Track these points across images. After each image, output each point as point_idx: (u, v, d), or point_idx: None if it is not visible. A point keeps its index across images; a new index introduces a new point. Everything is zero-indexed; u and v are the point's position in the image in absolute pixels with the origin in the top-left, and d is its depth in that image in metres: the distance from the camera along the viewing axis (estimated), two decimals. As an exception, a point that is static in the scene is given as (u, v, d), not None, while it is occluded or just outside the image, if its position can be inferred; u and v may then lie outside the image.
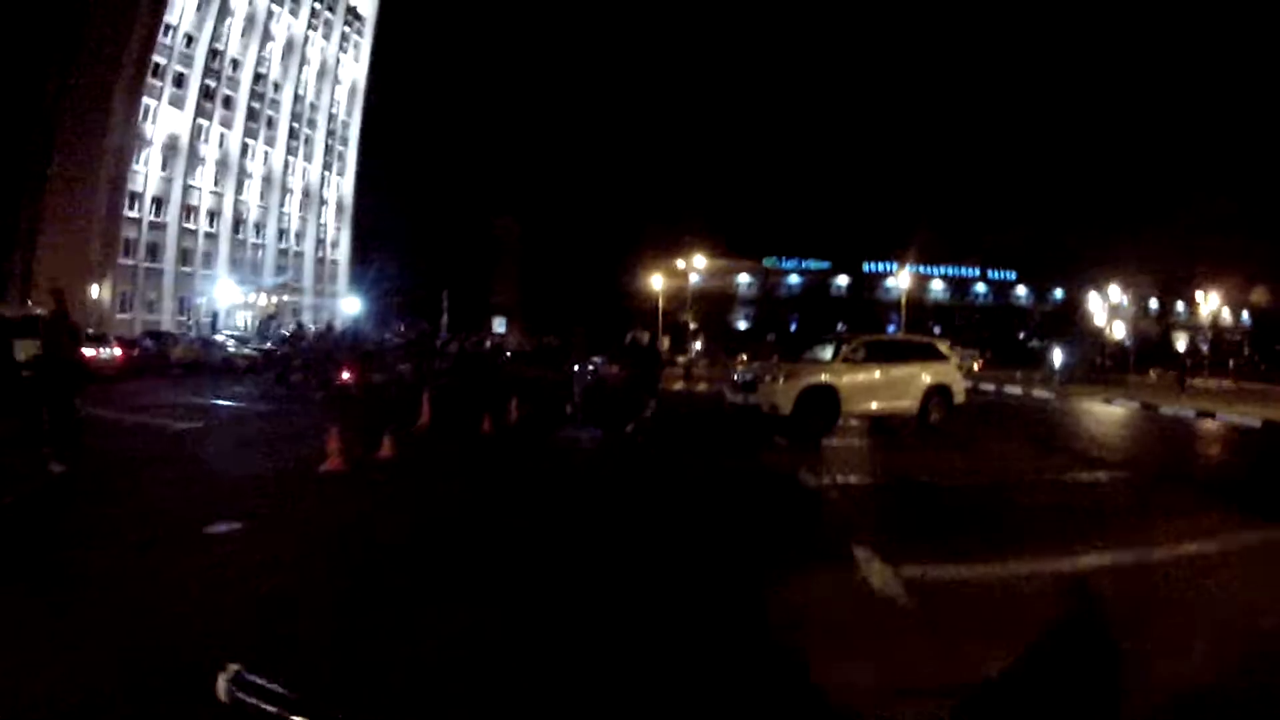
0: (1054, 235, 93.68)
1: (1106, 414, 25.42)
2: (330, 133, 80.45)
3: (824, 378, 16.90)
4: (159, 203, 60.17)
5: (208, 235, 65.11)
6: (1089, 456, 14.63)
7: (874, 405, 17.39)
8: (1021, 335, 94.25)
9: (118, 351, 29.56)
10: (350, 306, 70.58)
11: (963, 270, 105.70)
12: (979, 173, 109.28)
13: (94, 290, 53.76)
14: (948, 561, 6.85)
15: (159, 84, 58.73)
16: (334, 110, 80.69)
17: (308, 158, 77.54)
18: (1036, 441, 16.95)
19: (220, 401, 20.92)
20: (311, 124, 77.55)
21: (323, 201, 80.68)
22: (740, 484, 11.05)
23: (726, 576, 6.40)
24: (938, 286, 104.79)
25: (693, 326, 75.21)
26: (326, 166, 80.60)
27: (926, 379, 18.07)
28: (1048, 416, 24.11)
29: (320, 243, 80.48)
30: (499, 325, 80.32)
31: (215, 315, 55.47)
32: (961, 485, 11.39)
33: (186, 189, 62.10)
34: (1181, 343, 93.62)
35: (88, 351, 28.73)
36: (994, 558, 6.95)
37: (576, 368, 19.73)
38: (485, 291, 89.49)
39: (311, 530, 7.70)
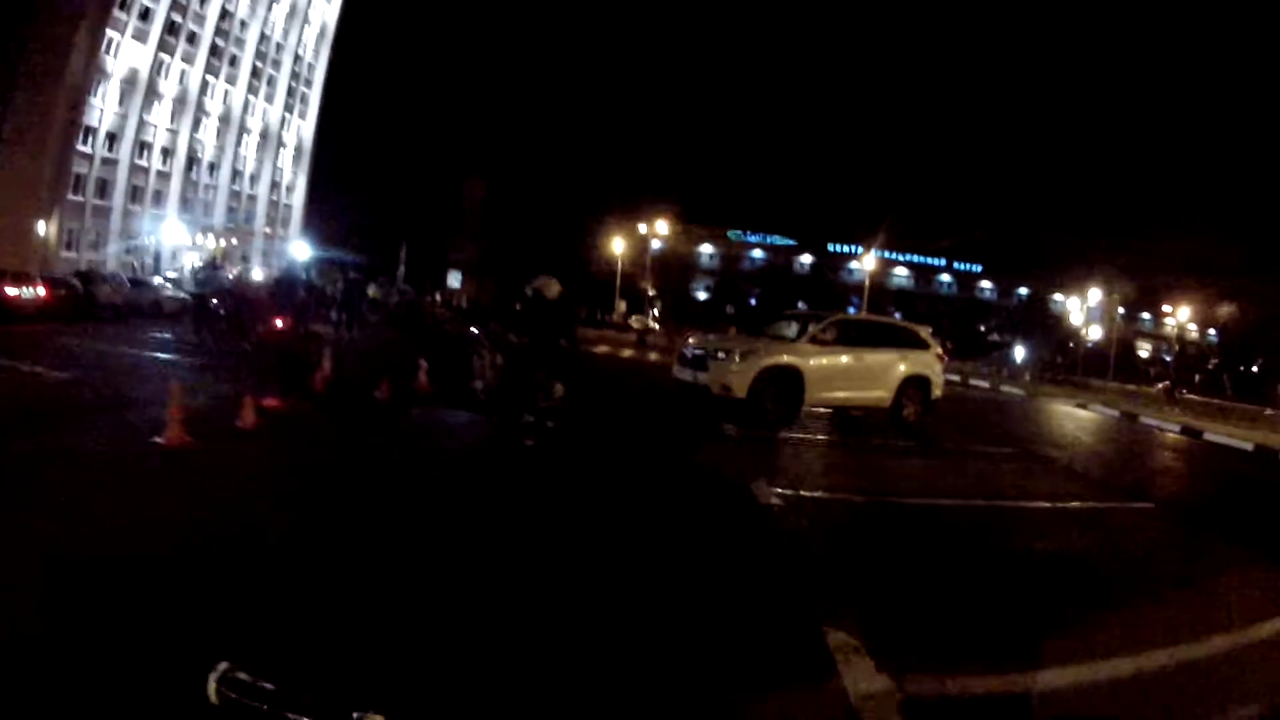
0: (1023, 232, 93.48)
1: (1089, 421, 25.26)
2: (295, 74, 77.75)
3: (787, 358, 14.87)
4: (112, 138, 57.45)
5: (160, 174, 62.48)
6: (1092, 478, 13.21)
7: (842, 394, 15.59)
8: (982, 328, 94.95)
9: (42, 291, 27.71)
10: (301, 252, 69.34)
11: (928, 259, 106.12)
12: (952, 164, 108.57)
13: (40, 227, 52.13)
14: (966, 666, 4.47)
15: (124, 16, 55.97)
16: (300, 51, 77.91)
17: (269, 99, 74.89)
18: (1026, 452, 15.40)
19: (123, 349, 18.98)
20: (276, 64, 74.76)
21: (281, 144, 78.14)
22: (665, 500, 8.43)
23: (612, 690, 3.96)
24: (902, 273, 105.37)
25: (651, 293, 74.64)
26: (288, 109, 78.02)
27: (903, 368, 16.24)
28: (1026, 419, 23.64)
29: (275, 185, 78.16)
30: (454, 281, 79.24)
31: (158, 256, 54.10)
32: (957, 512, 9.42)
33: (142, 125, 59.37)
34: (1144, 351, 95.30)
35: (10, 290, 26.49)
36: (1031, 655, 4.54)
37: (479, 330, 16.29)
38: (445, 247, 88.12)
39: (66, 538, 5.34)
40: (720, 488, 9.27)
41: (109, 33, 55.26)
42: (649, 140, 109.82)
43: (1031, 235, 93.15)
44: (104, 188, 57.64)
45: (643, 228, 74.63)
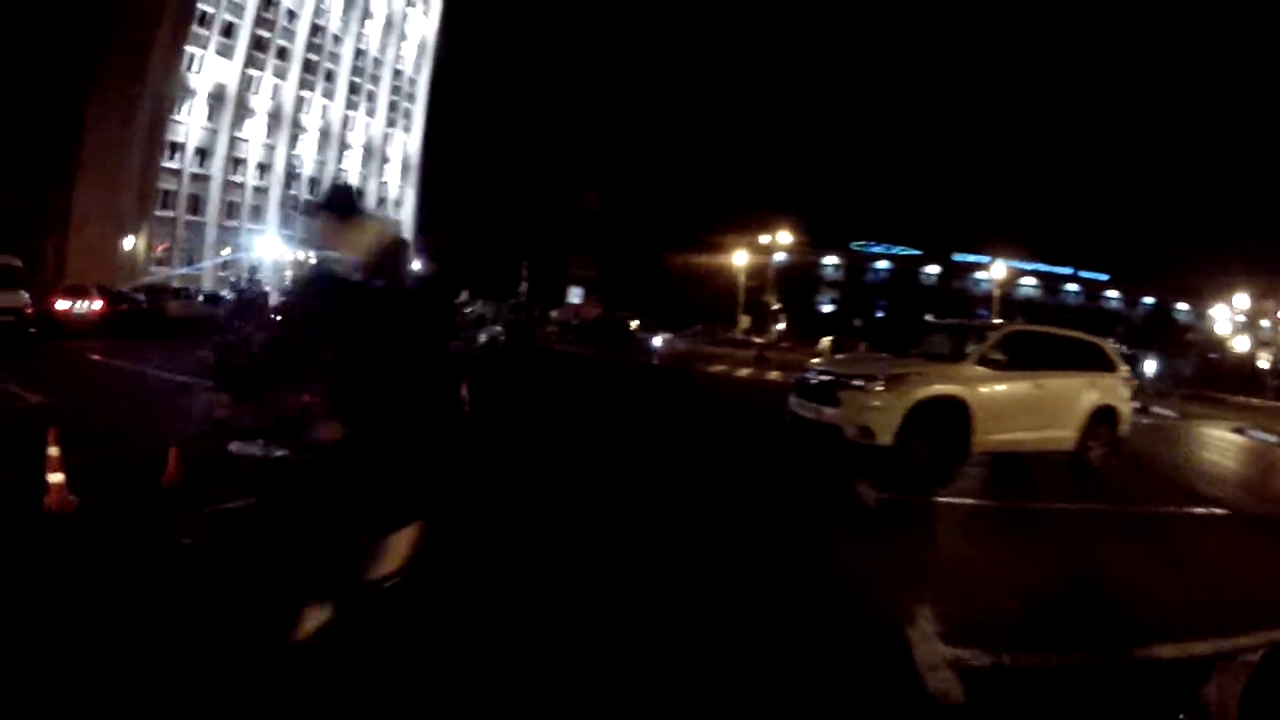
0: (1150, 240, 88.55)
1: (1262, 453, 18.69)
2: (396, 89, 76.72)
3: (949, 388, 10.38)
4: (203, 154, 57.02)
5: (257, 189, 61.91)
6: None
7: (1018, 435, 10.95)
8: (1111, 341, 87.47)
9: (98, 305, 26.63)
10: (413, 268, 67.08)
11: (1054, 268, 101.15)
12: (1078, 170, 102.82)
13: (127, 242, 50.79)
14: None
15: (205, 33, 55.49)
16: (400, 66, 76.82)
17: (370, 113, 73.78)
18: (1240, 515, 10.08)
19: (150, 370, 16.31)
20: (375, 79, 73.75)
21: (385, 159, 76.89)
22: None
23: None
24: (1029, 283, 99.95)
25: (775, 306, 69.81)
26: (391, 124, 76.83)
27: (1092, 398, 11.70)
28: (1201, 453, 17.64)
29: (382, 201, 76.72)
30: (575, 296, 76.09)
31: (254, 270, 51.79)
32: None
33: (233, 141, 58.84)
34: (1264, 362, 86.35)
35: (62, 304, 25.56)
36: None
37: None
38: (563, 262, 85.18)
39: None
40: (863, 641, 4.71)
41: (190, 49, 54.80)
42: (771, 149, 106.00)
43: (1160, 243, 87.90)
44: (196, 203, 56.75)
45: (764, 238, 70.27)
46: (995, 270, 68.87)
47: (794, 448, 11.44)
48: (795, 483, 9.77)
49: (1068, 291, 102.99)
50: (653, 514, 7.42)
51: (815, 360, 12.55)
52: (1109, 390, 12.01)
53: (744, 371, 30.98)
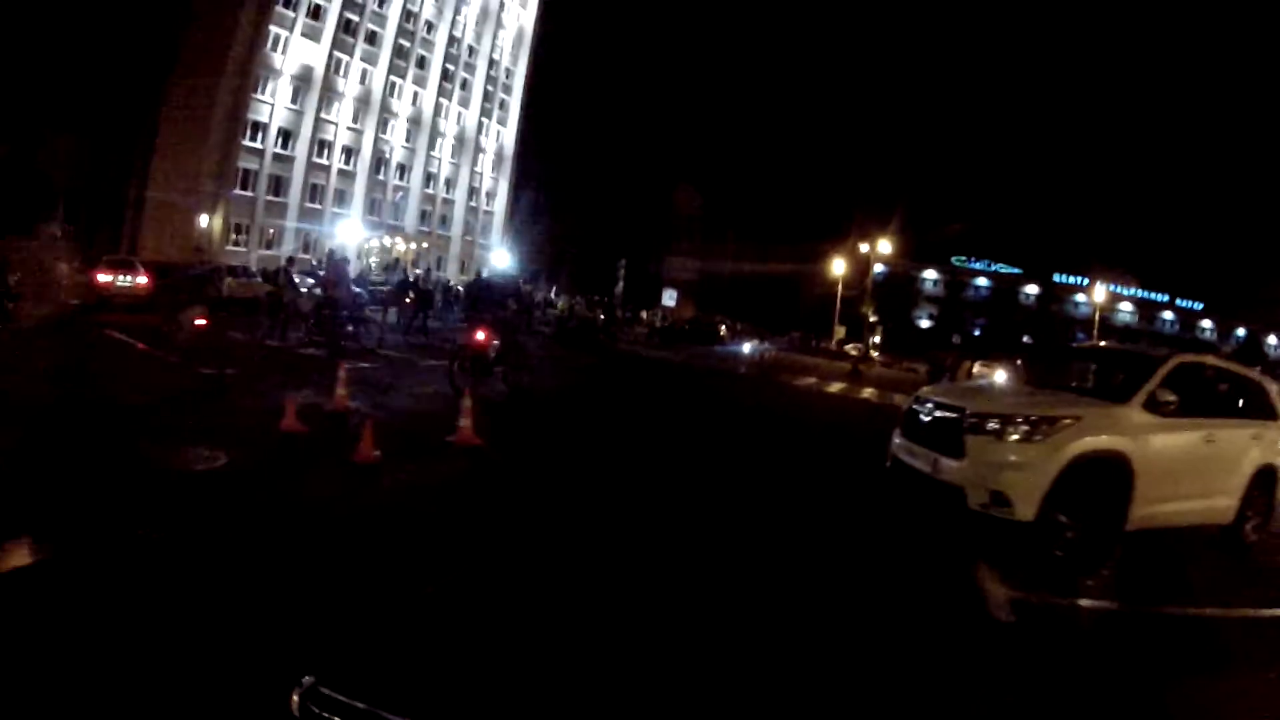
0: (1247, 270, 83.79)
1: None
2: (491, 79, 75.07)
3: (1113, 441, 7.18)
4: (286, 136, 56.12)
5: (342, 173, 60.80)
6: None
7: (1181, 506, 7.73)
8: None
9: (142, 279, 25.72)
10: (501, 260, 65.74)
11: (1151, 294, 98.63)
12: (1179, 196, 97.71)
13: (202, 219, 50.00)
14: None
15: (291, 14, 54.64)
16: (496, 56, 75.19)
17: (464, 103, 72.27)
18: None
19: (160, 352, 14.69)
20: (470, 68, 72.28)
21: (479, 150, 75.34)
22: None
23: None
24: (1126, 308, 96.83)
25: (872, 319, 66.31)
26: (485, 114, 75.21)
27: (1255, 456, 8.41)
28: None
29: (474, 192, 75.42)
30: (669, 299, 73.56)
31: (331, 253, 50.25)
32: None
33: (319, 123, 57.82)
34: None
35: (103, 278, 24.31)
36: None
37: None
38: (658, 263, 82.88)
39: None
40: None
41: (275, 30, 53.97)
42: (877, 158, 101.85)
43: (1257, 273, 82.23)
44: (278, 184, 55.77)
45: (864, 247, 67.11)
46: (1096, 294, 68.82)
47: (891, 506, 8.34)
48: (887, 563, 6.70)
49: (1164, 319, 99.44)
50: (688, 601, 5.05)
51: (928, 391, 8.75)
52: (1271, 446, 8.61)
53: (835, 386, 27.52)
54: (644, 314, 60.73)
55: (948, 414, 7.59)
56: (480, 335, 14.11)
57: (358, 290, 21.40)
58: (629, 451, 10.54)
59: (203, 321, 15.21)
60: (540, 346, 25.14)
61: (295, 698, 1.11)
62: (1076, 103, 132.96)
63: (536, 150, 78.63)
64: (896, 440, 8.22)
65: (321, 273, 25.10)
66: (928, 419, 7.82)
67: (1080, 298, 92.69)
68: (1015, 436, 7.02)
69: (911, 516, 8.00)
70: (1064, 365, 10.18)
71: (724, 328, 50.73)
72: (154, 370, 13.20)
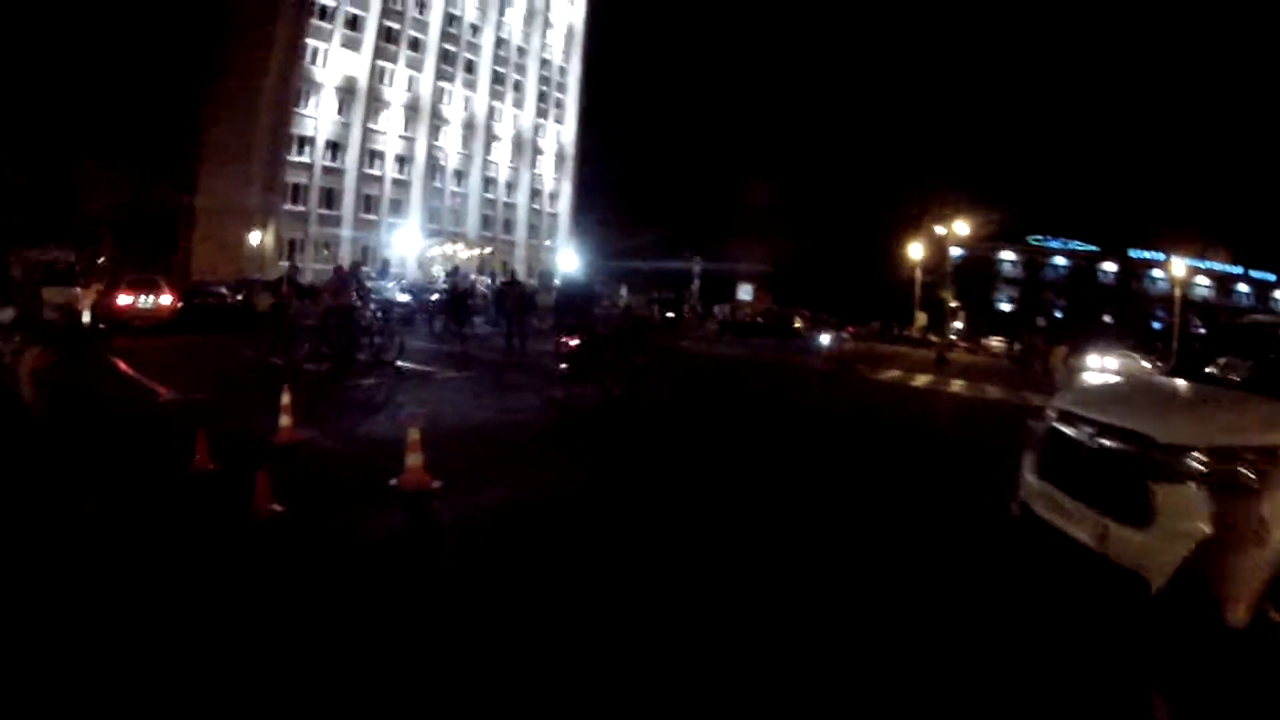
0: None
1: None
2: (545, 79, 73.75)
3: None
4: (335, 147, 55.46)
5: (396, 182, 59.96)
6: None
7: None
8: None
9: (165, 299, 24.42)
10: (569, 262, 64.01)
11: (1226, 267, 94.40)
12: (1250, 165, 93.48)
13: (254, 237, 49.02)
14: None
15: (328, 26, 54.06)
16: (547, 55, 73.77)
17: (518, 104, 71.02)
18: None
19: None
20: (520, 69, 71.01)
21: (537, 151, 73.94)
22: None
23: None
24: (1203, 282, 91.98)
25: (953, 304, 63.26)
26: (541, 114, 73.89)
27: None
28: None
29: (536, 194, 73.90)
30: (744, 292, 71.27)
31: (386, 263, 48.92)
32: None
33: (367, 133, 57.08)
34: None
35: (124, 299, 23.28)
36: None
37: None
38: (733, 257, 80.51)
39: None
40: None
41: (313, 43, 53.52)
42: (945, 143, 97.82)
43: None
44: (330, 196, 54.81)
45: (940, 229, 64.11)
46: (1175, 268, 65.66)
47: (1022, 572, 5.52)
48: (1018, 669, 4.10)
49: (1240, 292, 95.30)
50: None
51: (1077, 398, 5.87)
52: None
53: (921, 379, 23.98)
54: (715, 309, 57.85)
55: (1121, 445, 4.63)
56: (571, 341, 13.37)
57: (361, 300, 19.09)
58: (652, 500, 7.25)
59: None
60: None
61: None
62: (1144, 77, 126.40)
63: (599, 148, 76.68)
64: (1030, 479, 5.37)
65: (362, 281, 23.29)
66: (1083, 451, 4.87)
67: (1157, 273, 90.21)
68: (1232, 483, 4.13)
69: (1046, 580, 5.24)
70: (1209, 350, 7.20)
71: (799, 320, 47.90)
72: (126, 392, 11.66)
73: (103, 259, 37.29)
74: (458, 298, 26.69)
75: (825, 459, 9.82)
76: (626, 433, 10.62)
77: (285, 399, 8.50)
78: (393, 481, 6.67)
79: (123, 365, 14.10)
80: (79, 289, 22.17)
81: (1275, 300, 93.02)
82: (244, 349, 16.90)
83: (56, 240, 29.49)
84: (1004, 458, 6.17)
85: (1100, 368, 29.88)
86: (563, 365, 13.33)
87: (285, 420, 8.41)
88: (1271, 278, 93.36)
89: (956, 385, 22.58)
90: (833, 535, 6.26)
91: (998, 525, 5.71)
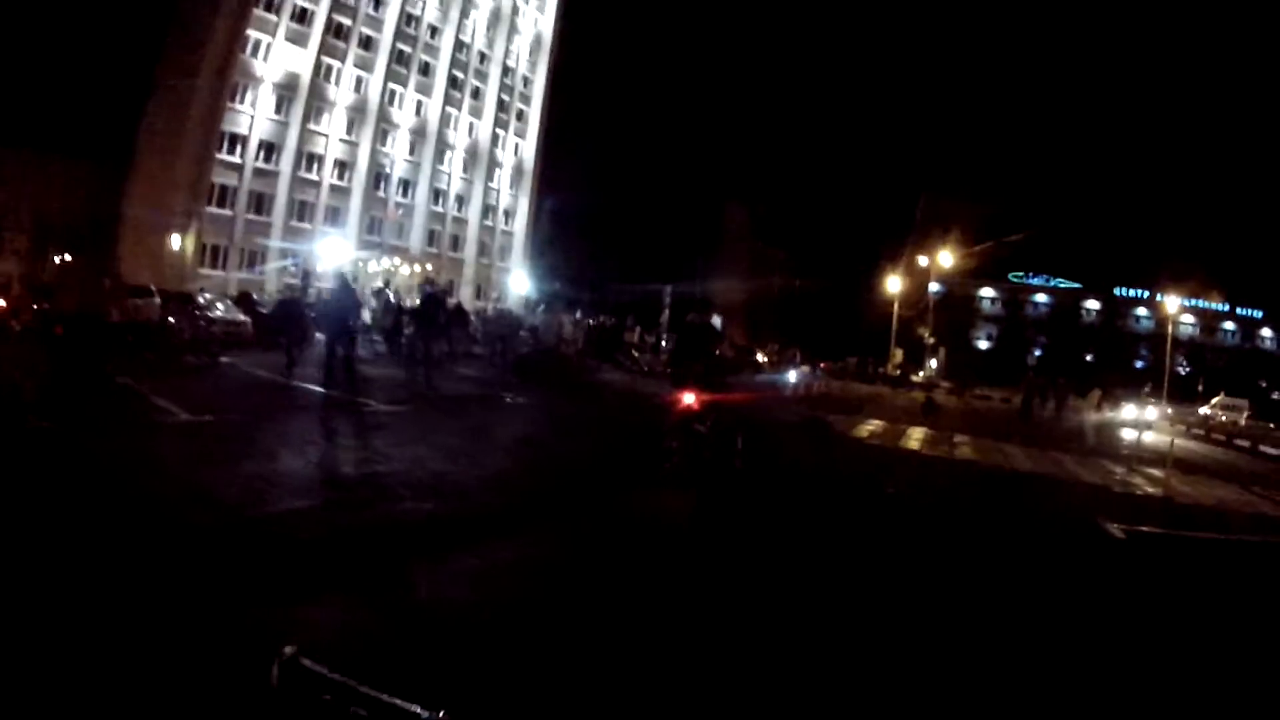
0: None
1: None
2: (507, 88, 71.89)
3: None
4: (270, 148, 53.10)
5: (335, 189, 57.68)
6: None
7: None
8: (1263, 384, 79.99)
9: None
10: (520, 284, 61.89)
11: (1210, 304, 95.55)
12: (1236, 198, 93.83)
13: (174, 241, 46.52)
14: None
15: (273, 18, 51.92)
16: (510, 63, 71.94)
17: (475, 113, 69.05)
18: None
19: None
20: (481, 76, 69.05)
21: (495, 164, 71.88)
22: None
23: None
24: (1188, 320, 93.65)
25: (930, 341, 61.78)
26: (501, 125, 71.88)
27: None
28: None
29: (490, 210, 71.81)
30: (714, 324, 68.78)
31: (307, 275, 46.59)
32: None
33: (306, 135, 54.82)
34: None
35: None
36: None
37: None
38: (704, 286, 78.84)
39: None
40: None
41: (256, 34, 51.39)
42: (926, 177, 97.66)
43: None
44: (260, 201, 52.57)
45: (923, 260, 63.41)
46: (1169, 305, 68.20)
47: None
48: None
49: (1225, 330, 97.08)
50: None
51: None
52: None
53: (914, 437, 18.84)
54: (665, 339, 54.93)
55: None
56: (688, 399, 9.38)
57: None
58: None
59: None
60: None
61: (275, 668, 1.14)
62: (1125, 112, 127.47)
63: (562, 165, 74.73)
64: None
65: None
66: None
67: (1142, 311, 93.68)
68: None
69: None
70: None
71: (761, 354, 45.59)
72: None
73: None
74: (398, 317, 25.20)
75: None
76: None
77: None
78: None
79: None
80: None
81: (1262, 338, 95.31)
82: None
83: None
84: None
85: (1136, 416, 27.70)
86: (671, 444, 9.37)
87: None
88: (1259, 315, 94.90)
89: (964, 448, 17.65)
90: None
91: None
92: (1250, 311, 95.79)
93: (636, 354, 34.49)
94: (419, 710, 1.07)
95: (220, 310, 25.09)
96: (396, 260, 59.57)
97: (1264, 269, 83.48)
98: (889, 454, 15.65)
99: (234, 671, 2.33)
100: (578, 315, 42.61)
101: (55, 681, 3.16)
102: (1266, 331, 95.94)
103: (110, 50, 46.34)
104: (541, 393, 18.89)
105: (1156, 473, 15.45)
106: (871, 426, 20.36)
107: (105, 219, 47.90)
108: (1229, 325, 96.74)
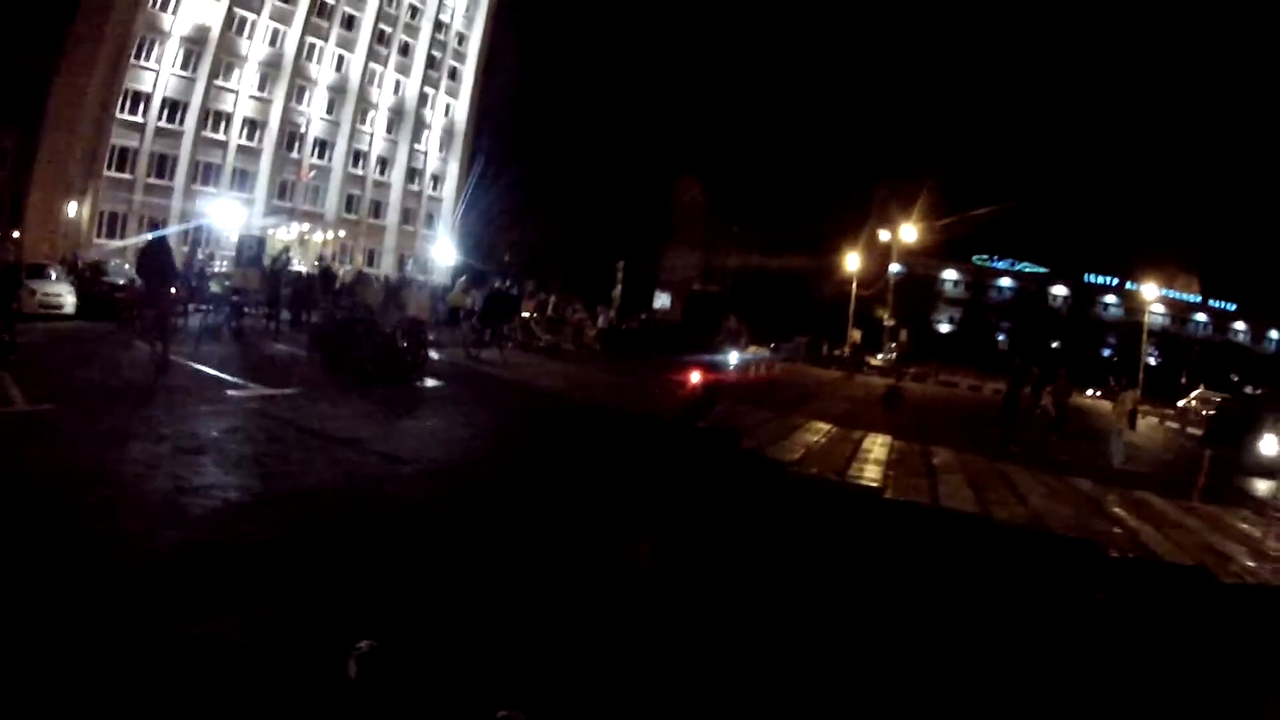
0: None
1: None
2: (439, 43, 70.21)
3: None
4: (174, 107, 51.54)
5: (243, 149, 56.15)
6: None
7: None
8: (1235, 378, 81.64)
9: None
10: (445, 254, 60.01)
11: (1182, 295, 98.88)
12: (1211, 187, 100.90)
13: (71, 208, 44.48)
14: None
15: None
16: (444, 17, 70.24)
17: (403, 70, 67.60)
18: None
19: None
20: (411, 30, 67.58)
21: (424, 125, 70.38)
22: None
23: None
24: (1159, 310, 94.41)
25: (889, 323, 63.57)
26: (430, 83, 70.31)
27: None
28: None
29: (415, 174, 70.34)
30: (662, 301, 68.44)
31: (196, 244, 44.62)
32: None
33: (213, 92, 53.25)
34: None
35: None
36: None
37: None
38: (655, 262, 77.67)
39: None
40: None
41: None
42: (888, 145, 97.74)
43: None
44: (161, 163, 50.92)
45: (884, 235, 65.10)
46: (1146, 292, 70.78)
47: None
48: None
49: (1197, 321, 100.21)
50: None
51: None
52: None
53: (875, 455, 14.94)
54: (600, 316, 52.24)
55: None
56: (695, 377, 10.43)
57: None
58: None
59: None
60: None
61: (353, 661, 1.06)
62: (1099, 93, 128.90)
63: (497, 129, 72.68)
64: None
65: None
66: None
67: (1110, 299, 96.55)
68: None
69: None
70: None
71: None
72: None
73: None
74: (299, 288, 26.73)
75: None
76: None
77: None
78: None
79: None
80: None
81: (1234, 331, 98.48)
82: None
83: None
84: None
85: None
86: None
87: None
88: (1231, 307, 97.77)
89: (954, 480, 13.40)
90: None
91: None
92: (1223, 304, 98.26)
93: (536, 329, 32.40)
94: (500, 713, 1.04)
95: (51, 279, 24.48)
96: (307, 226, 57.65)
97: (1239, 261, 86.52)
98: (831, 496, 11.22)
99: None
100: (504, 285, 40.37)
101: None
102: (1240, 324, 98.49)
103: (21, 12, 43.49)
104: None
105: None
106: (812, 436, 16.35)
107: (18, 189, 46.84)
108: (1201, 317, 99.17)
